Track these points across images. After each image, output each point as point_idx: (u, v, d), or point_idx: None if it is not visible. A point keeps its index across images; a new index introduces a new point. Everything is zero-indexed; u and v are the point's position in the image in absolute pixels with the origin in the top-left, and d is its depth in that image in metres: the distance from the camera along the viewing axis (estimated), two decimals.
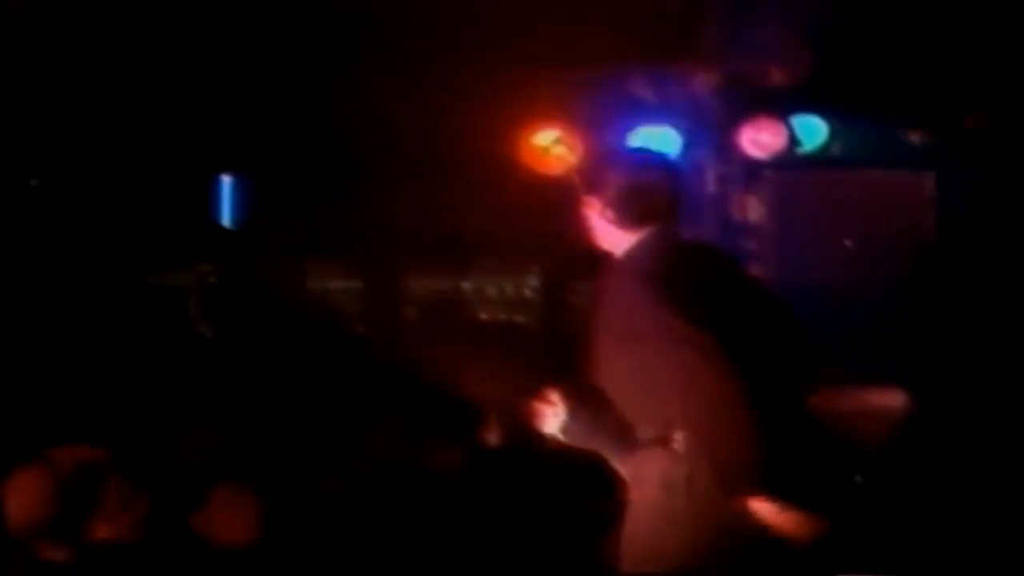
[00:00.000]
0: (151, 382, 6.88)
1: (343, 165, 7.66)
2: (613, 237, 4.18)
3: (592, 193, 4.16)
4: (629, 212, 4.07)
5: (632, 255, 4.14)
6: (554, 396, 6.65)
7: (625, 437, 6.81)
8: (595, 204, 4.16)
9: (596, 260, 7.64)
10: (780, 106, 7.15)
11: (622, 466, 4.73)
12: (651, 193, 4.04)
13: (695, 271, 4.05)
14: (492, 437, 6.79)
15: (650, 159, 4.35)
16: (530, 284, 8.19)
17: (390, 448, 6.25)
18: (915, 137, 7.13)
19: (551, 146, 7.22)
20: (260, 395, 6.90)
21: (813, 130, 7.20)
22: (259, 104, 7.47)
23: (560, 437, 4.60)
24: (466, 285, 8.20)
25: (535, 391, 6.95)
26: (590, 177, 4.18)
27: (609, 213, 4.12)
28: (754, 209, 7.32)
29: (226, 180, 7.92)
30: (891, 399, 7.08)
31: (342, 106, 7.38)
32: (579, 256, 7.80)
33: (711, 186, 7.27)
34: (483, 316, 8.21)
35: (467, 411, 6.79)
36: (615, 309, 4.12)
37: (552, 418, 6.67)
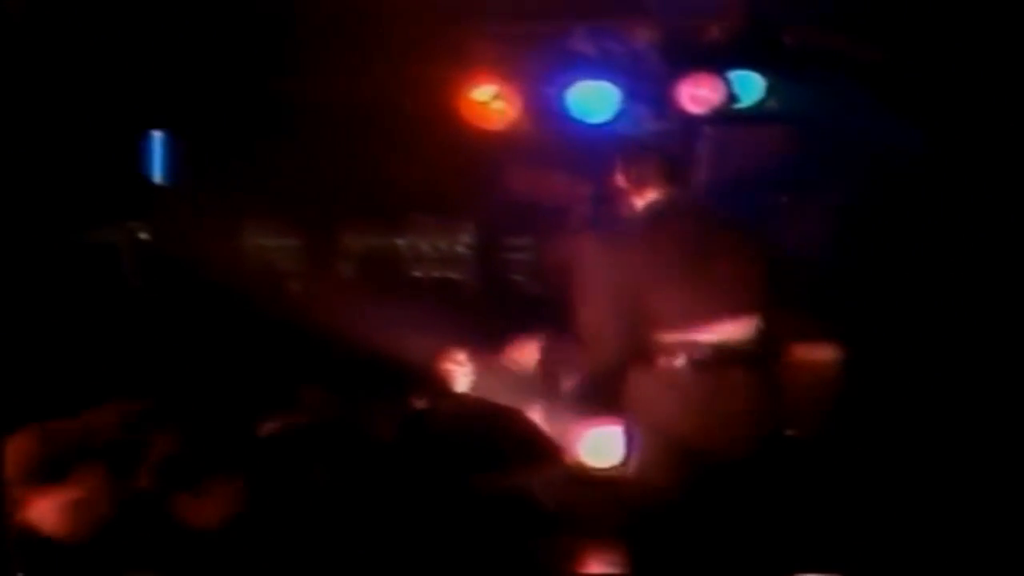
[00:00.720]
0: (85, 340, 6.79)
1: (279, 121, 7.55)
2: None
3: None
4: None
5: None
6: (461, 356, 6.85)
7: (557, 394, 7.02)
8: None
9: (530, 216, 7.82)
10: (718, 61, 7.17)
11: (549, 424, 5.26)
12: None
13: None
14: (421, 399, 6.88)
15: None
16: (464, 241, 8.17)
17: (324, 408, 6.18)
18: (850, 90, 7.17)
19: (490, 101, 7.18)
20: (192, 354, 6.88)
21: (750, 85, 7.21)
22: (190, 59, 7.37)
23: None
24: (401, 242, 8.15)
25: (468, 349, 7.17)
26: None
27: None
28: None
29: (157, 136, 7.79)
30: (824, 353, 7.23)
31: (278, 61, 7.33)
32: (514, 212, 8.07)
33: (648, 142, 7.26)
34: (417, 273, 8.18)
35: (400, 372, 6.80)
36: None
37: (461, 377, 6.89)
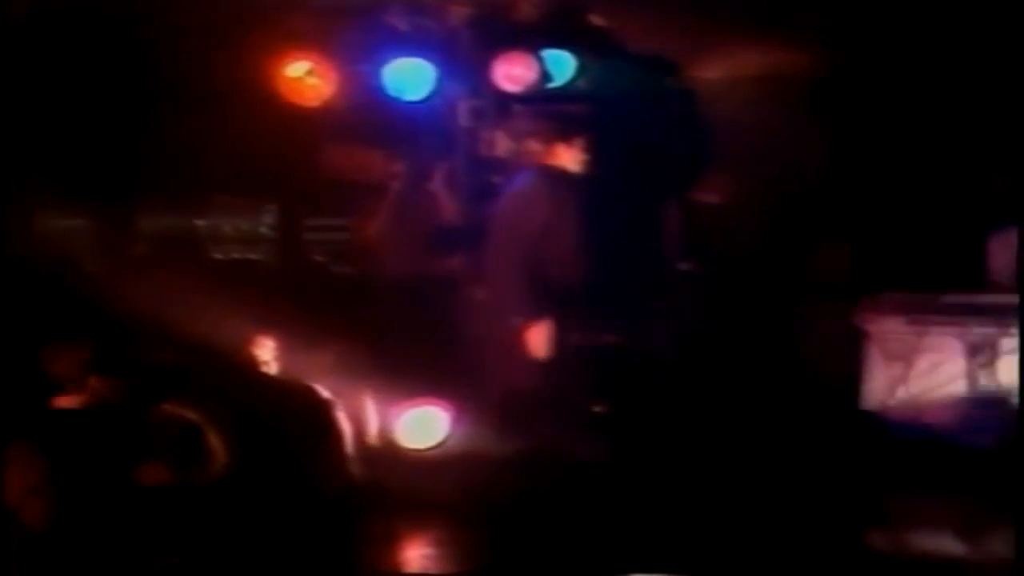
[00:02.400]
0: None
1: (71, 93, 7.25)
2: None
3: None
4: None
5: None
6: (267, 340, 6.81)
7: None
8: None
9: (339, 196, 7.70)
10: (531, 40, 7.20)
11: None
12: None
13: None
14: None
15: None
16: (266, 221, 7.96)
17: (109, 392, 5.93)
18: (662, 72, 7.32)
19: (304, 77, 7.05)
20: None
21: (562, 64, 7.27)
22: None
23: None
24: (201, 223, 7.92)
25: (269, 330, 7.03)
26: None
27: None
28: (502, 143, 7.37)
29: None
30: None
31: (71, 30, 7.07)
32: (318, 191, 7.94)
33: (463, 120, 7.29)
34: (217, 255, 7.96)
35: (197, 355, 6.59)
36: None
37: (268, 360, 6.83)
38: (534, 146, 6.84)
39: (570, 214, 6.69)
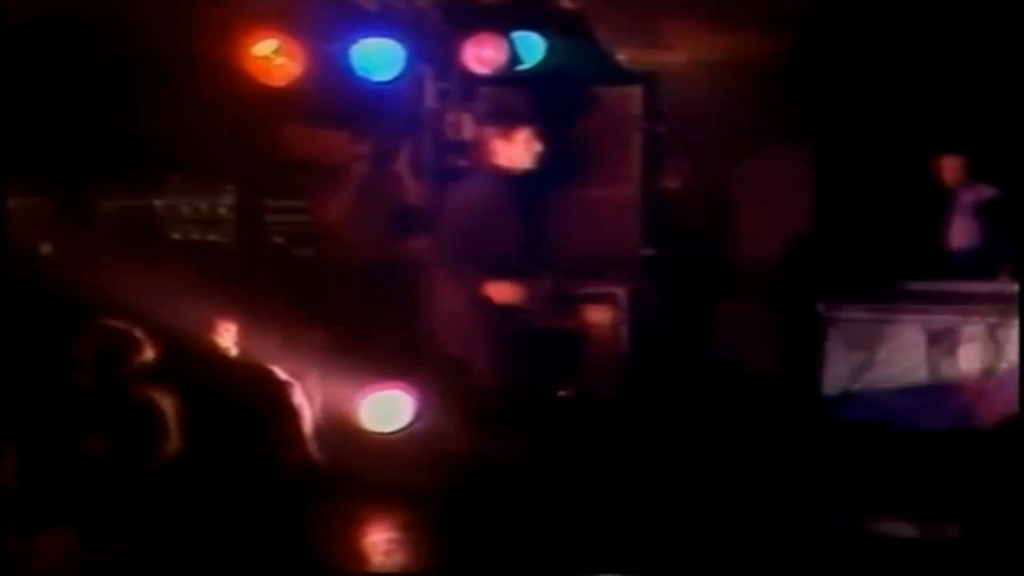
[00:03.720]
0: None
1: (26, 69, 7.03)
2: None
3: None
4: None
5: None
6: (227, 324, 6.74)
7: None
8: None
9: (299, 176, 7.60)
10: (501, 22, 7.09)
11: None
12: None
13: None
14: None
15: None
16: (225, 202, 7.86)
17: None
18: (626, 54, 7.26)
19: (271, 56, 6.83)
20: None
21: (531, 46, 7.17)
22: None
23: None
24: (158, 203, 7.78)
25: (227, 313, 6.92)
26: None
27: None
28: (468, 126, 7.29)
29: None
30: (601, 315, 7.35)
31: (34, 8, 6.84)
32: (279, 172, 7.82)
33: (430, 102, 7.20)
34: (175, 236, 7.85)
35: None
36: None
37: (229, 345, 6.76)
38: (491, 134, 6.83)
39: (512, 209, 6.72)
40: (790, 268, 7.91)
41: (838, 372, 7.50)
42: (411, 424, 6.92)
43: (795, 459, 6.78)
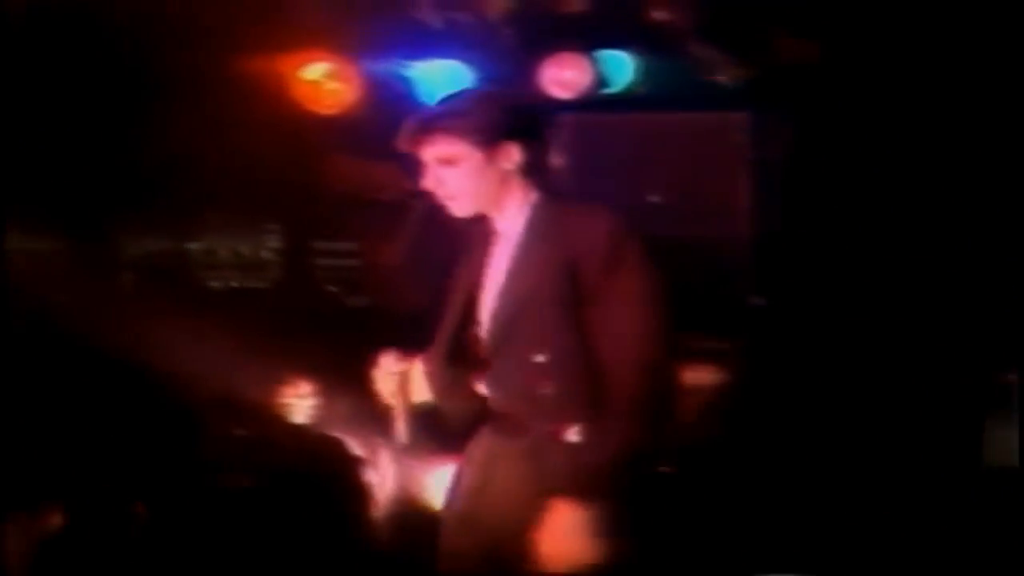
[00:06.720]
0: None
1: (50, 96, 6.47)
2: None
3: None
4: None
5: None
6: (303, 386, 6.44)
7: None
8: None
9: (353, 216, 7.04)
10: (583, 39, 6.63)
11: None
12: None
13: None
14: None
15: None
16: (269, 244, 7.27)
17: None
18: (728, 75, 6.59)
19: (322, 80, 6.52)
20: None
21: (618, 67, 6.70)
22: None
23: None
24: (193, 246, 7.20)
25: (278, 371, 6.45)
26: None
27: None
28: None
29: None
30: (700, 377, 6.56)
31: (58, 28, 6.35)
32: (328, 211, 7.19)
33: None
34: (214, 284, 7.25)
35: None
36: None
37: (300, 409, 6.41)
38: None
39: None
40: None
41: None
42: None
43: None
